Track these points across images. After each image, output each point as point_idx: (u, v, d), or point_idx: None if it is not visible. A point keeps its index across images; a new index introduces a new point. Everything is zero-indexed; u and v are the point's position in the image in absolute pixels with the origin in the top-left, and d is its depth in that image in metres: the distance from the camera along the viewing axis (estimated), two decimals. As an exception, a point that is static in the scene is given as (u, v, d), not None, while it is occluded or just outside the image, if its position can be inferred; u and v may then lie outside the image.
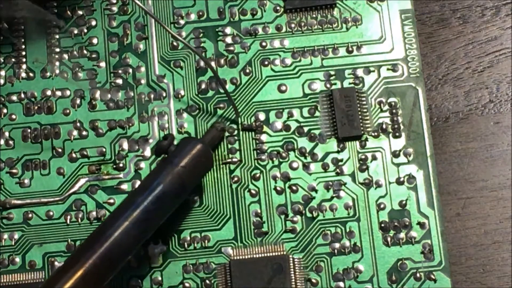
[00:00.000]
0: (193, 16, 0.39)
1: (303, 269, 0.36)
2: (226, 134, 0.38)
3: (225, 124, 0.38)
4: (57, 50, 0.39)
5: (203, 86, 0.38)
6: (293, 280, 0.36)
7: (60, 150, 0.38)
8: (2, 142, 0.38)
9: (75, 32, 0.39)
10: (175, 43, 0.39)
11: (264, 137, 0.38)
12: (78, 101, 0.38)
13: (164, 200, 0.34)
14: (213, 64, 0.39)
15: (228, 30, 0.39)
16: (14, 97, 0.39)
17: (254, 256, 0.36)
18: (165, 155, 0.36)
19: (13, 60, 0.39)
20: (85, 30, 0.39)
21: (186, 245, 0.37)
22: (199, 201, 0.37)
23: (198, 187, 0.37)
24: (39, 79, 0.39)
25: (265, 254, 0.36)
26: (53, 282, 0.32)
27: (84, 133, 0.38)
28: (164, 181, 0.34)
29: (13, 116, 0.38)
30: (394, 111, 0.38)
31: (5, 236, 0.37)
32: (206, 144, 0.36)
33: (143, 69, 0.39)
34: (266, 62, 0.39)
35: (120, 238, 0.33)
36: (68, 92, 0.39)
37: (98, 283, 0.33)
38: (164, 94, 0.38)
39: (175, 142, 0.36)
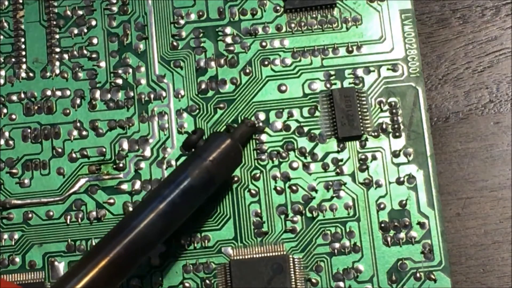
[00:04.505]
0: (193, 16, 0.39)
1: (303, 269, 0.36)
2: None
3: (254, 120, 0.38)
4: (57, 50, 0.39)
5: (203, 86, 0.38)
6: (293, 280, 0.36)
7: (60, 150, 0.38)
8: (2, 142, 0.38)
9: (75, 32, 0.39)
10: (175, 43, 0.39)
11: (264, 137, 0.38)
12: (78, 101, 0.38)
13: (191, 193, 0.34)
14: (213, 64, 0.39)
15: (228, 30, 0.39)
16: (14, 97, 0.39)
17: (254, 256, 0.36)
18: (194, 149, 0.35)
19: (13, 60, 0.39)
20: (85, 30, 0.39)
21: (186, 245, 0.37)
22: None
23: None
24: (39, 79, 0.39)
25: (265, 254, 0.36)
26: (78, 270, 0.32)
27: (84, 133, 0.38)
28: (192, 175, 0.34)
29: (13, 116, 0.38)
30: (394, 111, 0.38)
31: (5, 236, 0.37)
32: (235, 139, 0.36)
33: (143, 69, 0.39)
34: (266, 62, 0.39)
35: (146, 229, 0.33)
36: (68, 92, 0.39)
37: (122, 273, 0.33)
38: (164, 94, 0.38)
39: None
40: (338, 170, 0.37)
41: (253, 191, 0.37)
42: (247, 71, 0.39)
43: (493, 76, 0.40)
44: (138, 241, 0.33)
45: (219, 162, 0.35)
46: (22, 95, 0.39)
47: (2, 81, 0.39)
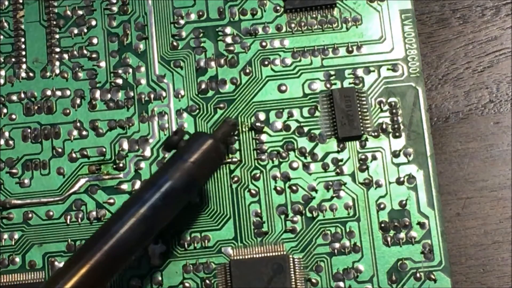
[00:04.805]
0: (193, 16, 0.39)
1: (303, 269, 0.36)
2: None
3: (236, 119, 0.38)
4: (57, 50, 0.39)
5: (203, 86, 0.38)
6: (293, 280, 0.36)
7: (60, 150, 0.38)
8: (2, 142, 0.38)
9: (75, 32, 0.39)
10: (175, 43, 0.39)
11: (264, 137, 0.38)
12: (78, 101, 0.38)
13: (173, 196, 0.33)
14: (213, 64, 0.39)
15: (228, 30, 0.39)
16: (14, 97, 0.39)
17: (254, 256, 0.36)
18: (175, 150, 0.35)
19: (13, 60, 0.39)
20: (85, 30, 0.39)
21: (186, 245, 0.37)
22: (200, 201, 0.37)
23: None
24: (39, 79, 0.39)
25: (265, 254, 0.36)
26: (58, 279, 0.32)
27: (84, 133, 0.38)
28: (173, 177, 0.33)
29: (13, 116, 0.38)
30: (394, 111, 0.38)
31: (5, 236, 0.37)
32: (217, 139, 0.35)
33: (143, 69, 0.39)
34: (266, 62, 0.39)
35: (126, 235, 0.32)
36: (68, 92, 0.39)
37: (103, 280, 0.32)
38: (164, 94, 0.38)
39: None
40: (338, 170, 0.37)
41: (253, 191, 0.37)
42: (247, 71, 0.39)
43: (493, 76, 0.40)
44: (119, 247, 0.32)
45: (200, 164, 0.34)
46: (22, 95, 0.39)
47: (2, 81, 0.39)
